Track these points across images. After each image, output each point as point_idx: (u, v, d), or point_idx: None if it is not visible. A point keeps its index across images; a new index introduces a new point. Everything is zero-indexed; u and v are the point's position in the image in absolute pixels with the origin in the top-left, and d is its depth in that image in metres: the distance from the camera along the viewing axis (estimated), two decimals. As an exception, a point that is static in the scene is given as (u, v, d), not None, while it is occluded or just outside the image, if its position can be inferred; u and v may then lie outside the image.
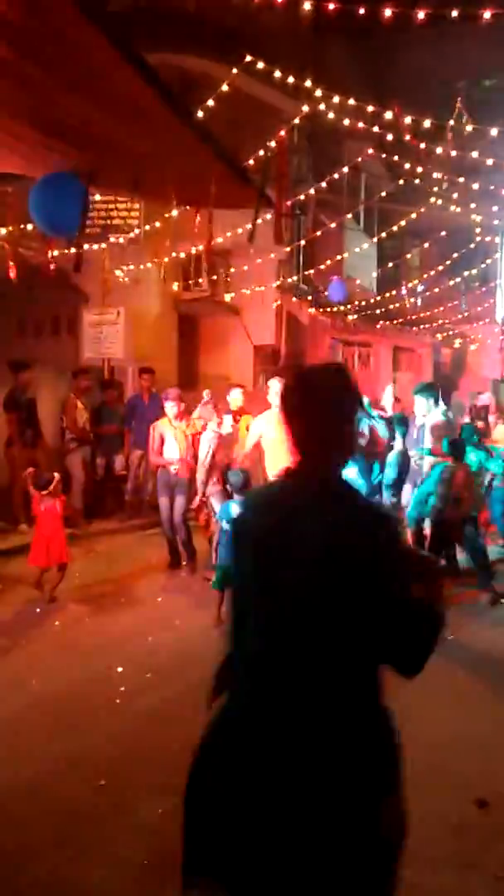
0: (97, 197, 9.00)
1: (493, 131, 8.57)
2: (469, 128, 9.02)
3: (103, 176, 4.74)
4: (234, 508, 5.55)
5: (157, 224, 9.85)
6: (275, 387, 6.44)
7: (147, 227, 10.26)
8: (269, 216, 8.38)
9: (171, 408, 6.81)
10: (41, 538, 5.84)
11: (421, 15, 6.03)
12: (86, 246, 9.85)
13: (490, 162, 9.71)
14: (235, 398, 7.12)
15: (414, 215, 12.95)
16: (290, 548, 1.55)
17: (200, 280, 13.02)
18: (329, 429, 1.64)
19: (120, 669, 4.57)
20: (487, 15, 5.95)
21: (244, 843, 1.54)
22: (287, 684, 1.55)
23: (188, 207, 6.33)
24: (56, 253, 9.77)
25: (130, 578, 6.63)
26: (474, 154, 9.67)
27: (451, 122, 9.71)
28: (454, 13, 6.10)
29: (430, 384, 7.39)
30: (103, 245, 10.13)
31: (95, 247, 10.07)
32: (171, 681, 4.46)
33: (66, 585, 6.10)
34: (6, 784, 3.32)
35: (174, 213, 6.86)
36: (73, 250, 9.86)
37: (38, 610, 5.64)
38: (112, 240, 10.12)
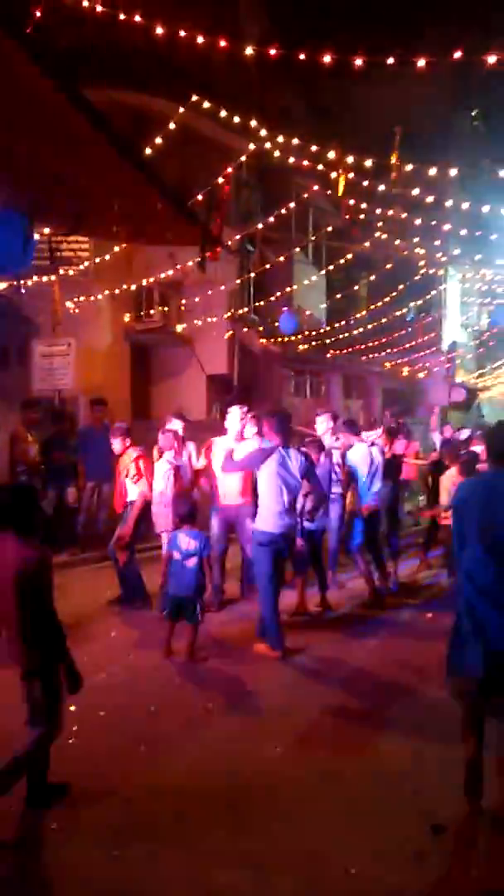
0: (45, 230, 9.02)
1: (432, 171, 8.96)
2: (409, 167, 9.39)
3: (46, 212, 4.77)
4: (182, 538, 5.48)
5: (108, 257, 9.90)
6: (235, 414, 6.68)
7: (97, 260, 10.31)
8: (219, 250, 8.54)
9: (116, 445, 6.72)
10: None
11: (359, 62, 6.33)
12: (34, 278, 9.85)
13: (430, 199, 10.13)
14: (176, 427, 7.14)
15: (362, 248, 13.35)
16: (498, 501, 3.22)
17: (152, 311, 13.11)
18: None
19: (72, 708, 4.45)
20: (422, 63, 6.28)
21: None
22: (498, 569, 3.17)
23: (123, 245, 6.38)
24: (4, 285, 9.72)
25: (82, 614, 6.49)
26: (415, 192, 10.07)
27: (394, 160, 10.10)
28: (390, 60, 6.42)
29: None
30: (52, 277, 10.12)
31: (45, 279, 10.06)
32: (124, 718, 4.38)
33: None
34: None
35: (123, 245, 6.91)
36: (21, 282, 9.84)
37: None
38: (62, 272, 10.12)
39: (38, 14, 6.27)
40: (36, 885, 2.89)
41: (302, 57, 6.37)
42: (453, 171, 10.05)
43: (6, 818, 3.30)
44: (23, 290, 6.67)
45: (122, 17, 6.57)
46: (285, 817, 3.37)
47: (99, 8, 6.48)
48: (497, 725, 3.27)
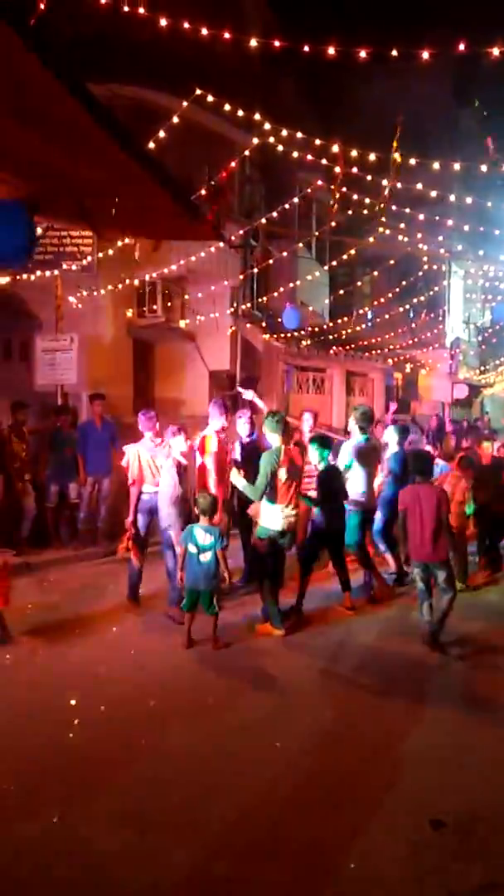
0: (48, 225, 9.00)
1: (436, 165, 8.92)
2: (412, 161, 9.35)
3: (49, 206, 4.75)
4: (199, 532, 5.54)
5: (111, 252, 9.88)
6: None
7: (100, 255, 10.28)
8: (221, 245, 8.51)
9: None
10: None
11: (363, 53, 6.29)
12: (38, 272, 9.84)
13: (434, 194, 10.09)
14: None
15: (363, 244, 13.31)
16: None
17: (155, 306, 13.09)
18: None
19: (73, 702, 4.47)
20: (425, 55, 6.24)
21: None
22: None
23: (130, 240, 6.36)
24: (6, 280, 9.71)
25: (84, 609, 6.49)
26: (419, 186, 10.03)
27: (397, 156, 10.06)
28: (394, 52, 6.38)
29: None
30: (55, 272, 10.10)
31: (48, 273, 10.04)
32: (124, 712, 4.38)
33: (17, 617, 5.95)
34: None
35: (126, 240, 6.89)
36: (24, 276, 9.83)
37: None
38: (65, 267, 10.10)
39: (42, 6, 6.24)
40: (36, 875, 2.89)
41: (306, 49, 6.33)
42: (456, 166, 10.02)
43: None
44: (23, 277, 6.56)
45: (125, 9, 6.54)
46: (286, 806, 3.37)
47: (102, 0, 6.43)
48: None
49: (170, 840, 3.11)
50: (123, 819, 3.27)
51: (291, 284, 15.03)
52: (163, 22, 6.42)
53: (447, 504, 5.62)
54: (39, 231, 5.34)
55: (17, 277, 9.62)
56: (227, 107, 8.98)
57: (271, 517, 5.77)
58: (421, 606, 5.55)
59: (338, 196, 9.44)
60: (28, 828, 3.18)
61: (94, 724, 4.18)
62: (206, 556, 5.48)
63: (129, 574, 6.57)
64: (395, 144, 9.28)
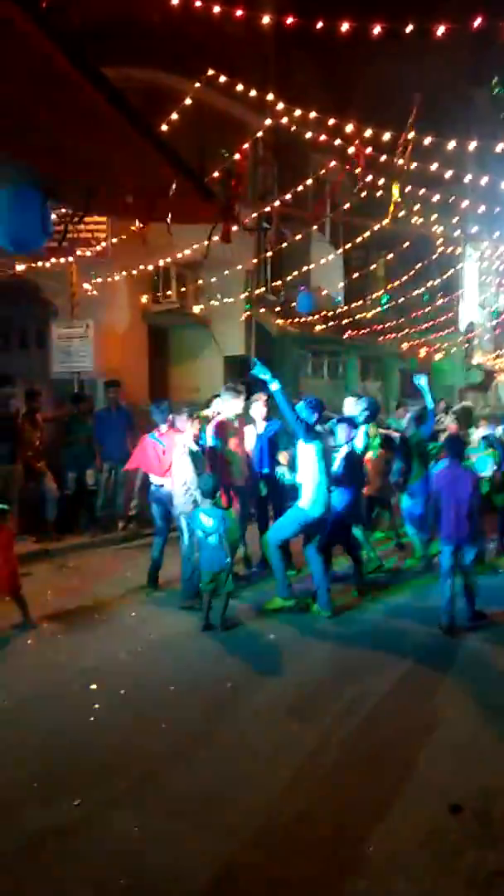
0: (63, 211, 8.96)
1: (451, 144, 8.77)
2: (427, 141, 9.18)
3: (62, 188, 4.74)
4: (202, 516, 5.57)
5: (124, 237, 9.84)
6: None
7: (115, 241, 10.24)
8: (234, 228, 8.42)
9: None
10: None
11: (377, 29, 6.17)
12: (52, 259, 9.83)
13: (448, 174, 9.92)
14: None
15: (378, 227, 13.15)
16: None
17: (169, 292, 13.05)
18: None
19: (93, 686, 4.51)
20: (441, 30, 6.10)
21: None
22: None
23: (140, 224, 6.30)
24: (23, 267, 9.71)
25: (103, 594, 6.55)
26: (433, 167, 9.87)
27: (411, 135, 9.89)
28: (409, 28, 6.25)
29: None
30: (70, 259, 10.09)
31: (63, 260, 10.03)
32: (144, 696, 4.42)
33: (37, 602, 6.02)
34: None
35: (140, 225, 6.84)
36: (40, 264, 9.82)
37: (9, 628, 5.53)
38: (79, 253, 10.08)
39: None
40: (59, 858, 2.93)
41: (319, 25, 6.21)
42: (472, 146, 9.83)
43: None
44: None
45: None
46: (308, 792, 3.39)
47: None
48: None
49: (192, 826, 3.13)
50: (145, 804, 3.30)
51: (305, 268, 14.89)
52: (174, 1, 6.32)
53: (479, 487, 5.78)
54: (54, 217, 5.31)
55: (33, 265, 9.62)
56: (239, 87, 8.86)
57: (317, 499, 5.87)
58: (445, 585, 5.59)
59: (358, 174, 9.33)
60: (51, 812, 3.22)
61: (114, 709, 4.22)
62: (214, 538, 5.57)
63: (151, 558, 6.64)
64: (409, 123, 9.13)
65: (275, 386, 5.73)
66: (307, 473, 5.88)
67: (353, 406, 7.46)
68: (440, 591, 5.60)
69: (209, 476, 5.85)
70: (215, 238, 6.15)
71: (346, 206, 13.49)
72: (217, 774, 3.55)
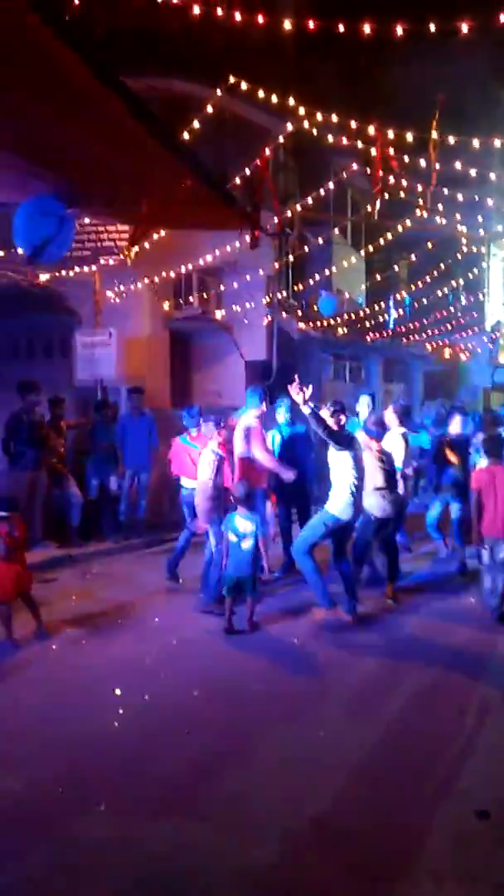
0: (86, 220, 9.06)
1: (475, 142, 8.68)
2: (451, 140, 9.09)
3: (84, 199, 4.79)
4: (238, 521, 5.61)
5: (147, 245, 9.90)
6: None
7: (136, 249, 10.32)
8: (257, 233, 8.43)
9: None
10: None
11: (399, 31, 6.13)
12: (76, 268, 9.94)
13: (473, 173, 9.82)
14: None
15: (400, 228, 13.06)
16: None
17: (192, 298, 13.11)
18: None
19: (118, 692, 4.53)
20: (465, 28, 6.04)
21: None
22: None
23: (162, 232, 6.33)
24: (47, 276, 9.84)
25: (127, 599, 6.58)
26: (457, 166, 9.78)
27: (434, 135, 9.79)
28: (432, 27, 6.19)
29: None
30: (93, 267, 10.19)
31: (86, 269, 10.13)
32: (167, 702, 4.42)
33: (61, 607, 6.05)
34: None
35: (161, 233, 6.88)
36: (62, 273, 9.94)
37: (35, 633, 5.58)
38: (102, 262, 10.18)
39: (76, 2, 6.27)
40: (79, 858, 2.94)
41: (341, 28, 6.18)
42: (497, 144, 9.70)
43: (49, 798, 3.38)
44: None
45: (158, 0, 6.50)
46: (333, 797, 3.36)
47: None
48: None
49: (217, 829, 3.13)
50: (169, 807, 3.30)
51: (327, 271, 14.86)
52: (196, 10, 6.35)
53: None
54: (76, 226, 5.37)
55: (56, 274, 9.73)
56: (260, 93, 8.87)
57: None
58: (486, 582, 5.74)
59: (381, 177, 9.27)
60: (79, 817, 3.23)
61: (138, 713, 4.23)
62: (247, 543, 5.61)
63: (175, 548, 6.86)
64: (433, 124, 9.05)
65: (307, 409, 5.74)
66: (340, 478, 5.86)
67: (365, 405, 7.69)
68: (483, 587, 5.68)
69: (245, 482, 5.90)
70: (237, 243, 6.16)
71: (369, 209, 13.42)
72: (242, 779, 3.53)
